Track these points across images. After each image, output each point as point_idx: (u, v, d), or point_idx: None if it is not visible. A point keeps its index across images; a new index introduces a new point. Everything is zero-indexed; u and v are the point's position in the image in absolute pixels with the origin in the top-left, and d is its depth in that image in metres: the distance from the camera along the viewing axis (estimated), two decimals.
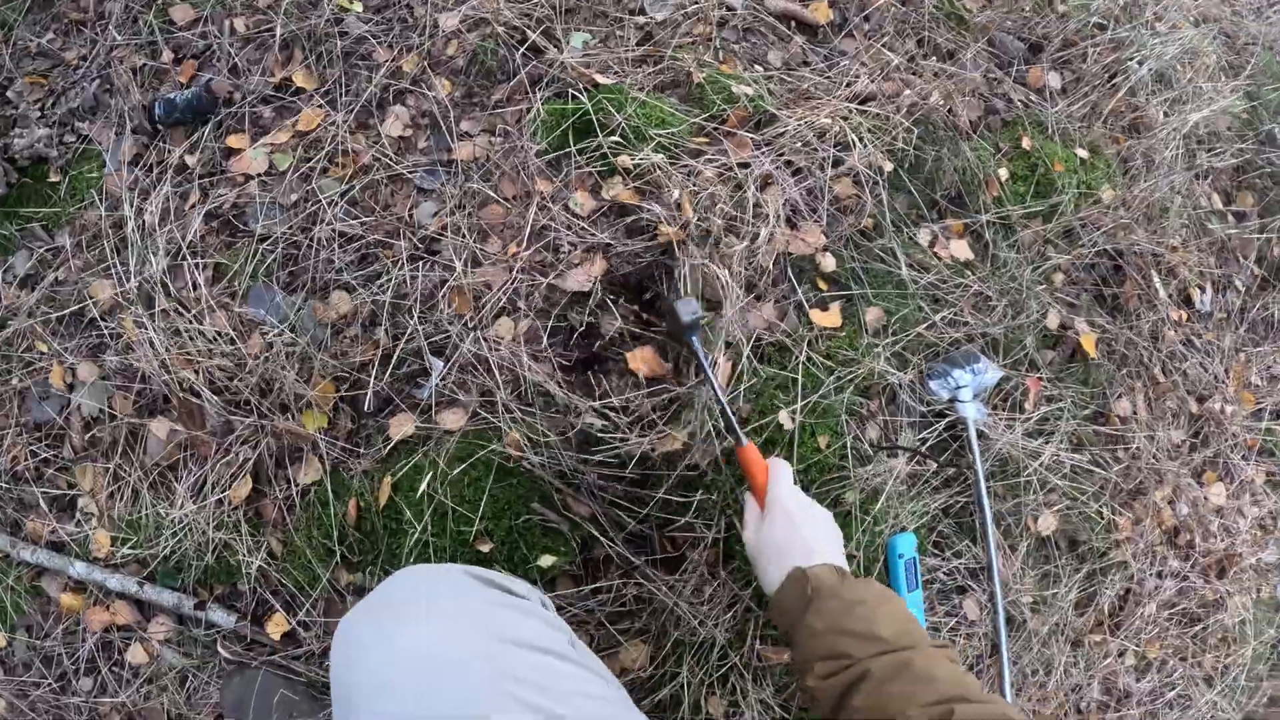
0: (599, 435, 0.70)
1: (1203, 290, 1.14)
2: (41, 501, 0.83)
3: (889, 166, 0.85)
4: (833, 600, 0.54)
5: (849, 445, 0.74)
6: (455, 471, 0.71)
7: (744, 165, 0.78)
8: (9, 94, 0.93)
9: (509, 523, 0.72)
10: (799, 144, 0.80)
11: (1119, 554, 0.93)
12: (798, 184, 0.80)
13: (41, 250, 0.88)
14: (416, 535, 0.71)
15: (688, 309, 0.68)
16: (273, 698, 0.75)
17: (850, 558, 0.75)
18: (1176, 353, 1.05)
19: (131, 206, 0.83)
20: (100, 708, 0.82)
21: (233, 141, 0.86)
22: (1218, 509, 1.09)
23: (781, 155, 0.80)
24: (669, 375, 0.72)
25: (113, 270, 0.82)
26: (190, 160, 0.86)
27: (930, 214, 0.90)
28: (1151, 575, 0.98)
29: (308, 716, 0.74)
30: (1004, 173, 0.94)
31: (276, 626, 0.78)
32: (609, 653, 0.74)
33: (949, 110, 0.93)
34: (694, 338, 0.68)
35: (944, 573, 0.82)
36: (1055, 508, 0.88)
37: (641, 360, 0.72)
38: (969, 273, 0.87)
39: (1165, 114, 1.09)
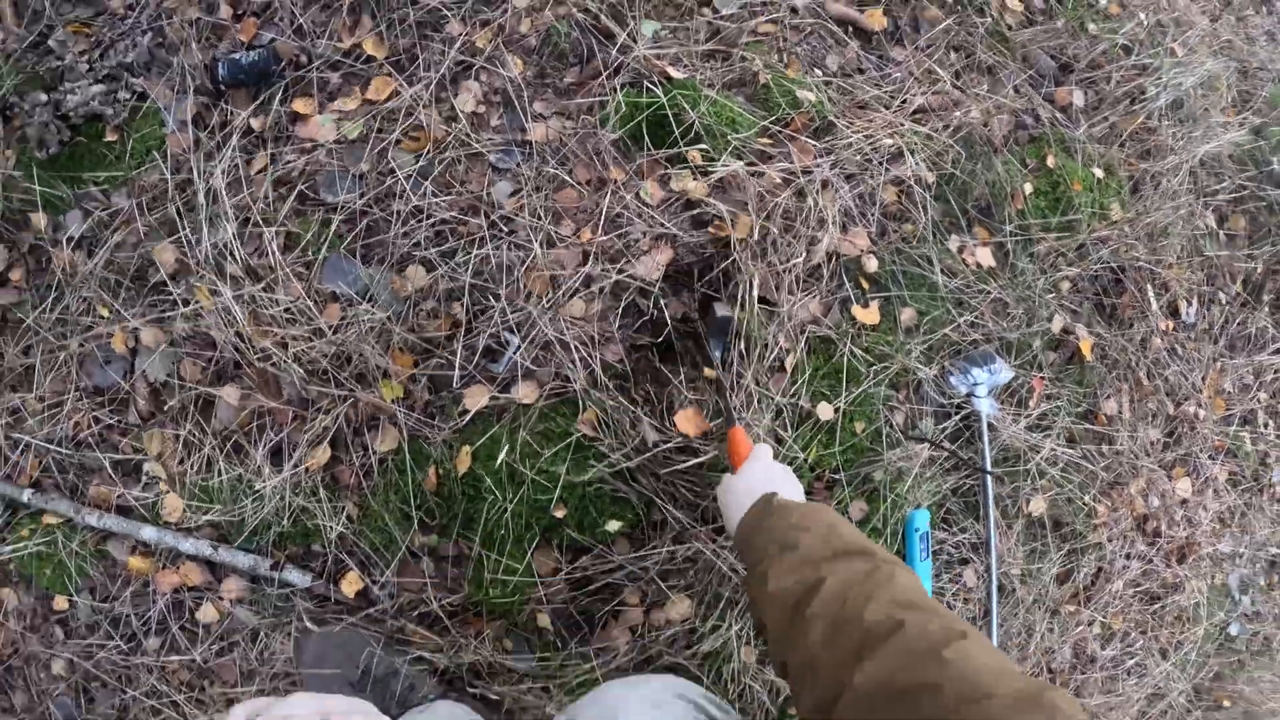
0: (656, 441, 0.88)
1: (1189, 304, 1.39)
2: (107, 466, 0.94)
3: (933, 178, 1.04)
4: (794, 511, 0.61)
5: (883, 432, 0.95)
6: (532, 443, 0.88)
7: (806, 171, 0.95)
8: (51, 42, 0.99)
9: (581, 491, 0.90)
10: (855, 154, 0.98)
11: (1096, 536, 1.19)
12: (850, 190, 0.98)
13: (99, 212, 0.97)
14: (497, 501, 0.88)
15: (722, 309, 0.85)
16: (358, 654, 0.90)
17: (874, 530, 0.97)
18: (1161, 359, 1.31)
19: (201, 170, 0.93)
20: (169, 665, 0.95)
21: (299, 106, 0.96)
22: (1183, 501, 1.36)
23: (838, 163, 0.98)
24: (710, 429, 0.90)
25: (181, 234, 0.93)
26: (255, 124, 0.96)
27: (961, 223, 1.10)
28: (1121, 557, 1.24)
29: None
30: (1029, 188, 1.15)
31: (350, 585, 0.93)
32: (659, 603, 0.93)
33: (985, 125, 1.13)
34: (719, 346, 0.84)
35: (950, 546, 1.05)
36: (1046, 494, 1.12)
37: (685, 421, 0.89)
38: (991, 280, 1.08)
39: (1176, 137, 1.32)
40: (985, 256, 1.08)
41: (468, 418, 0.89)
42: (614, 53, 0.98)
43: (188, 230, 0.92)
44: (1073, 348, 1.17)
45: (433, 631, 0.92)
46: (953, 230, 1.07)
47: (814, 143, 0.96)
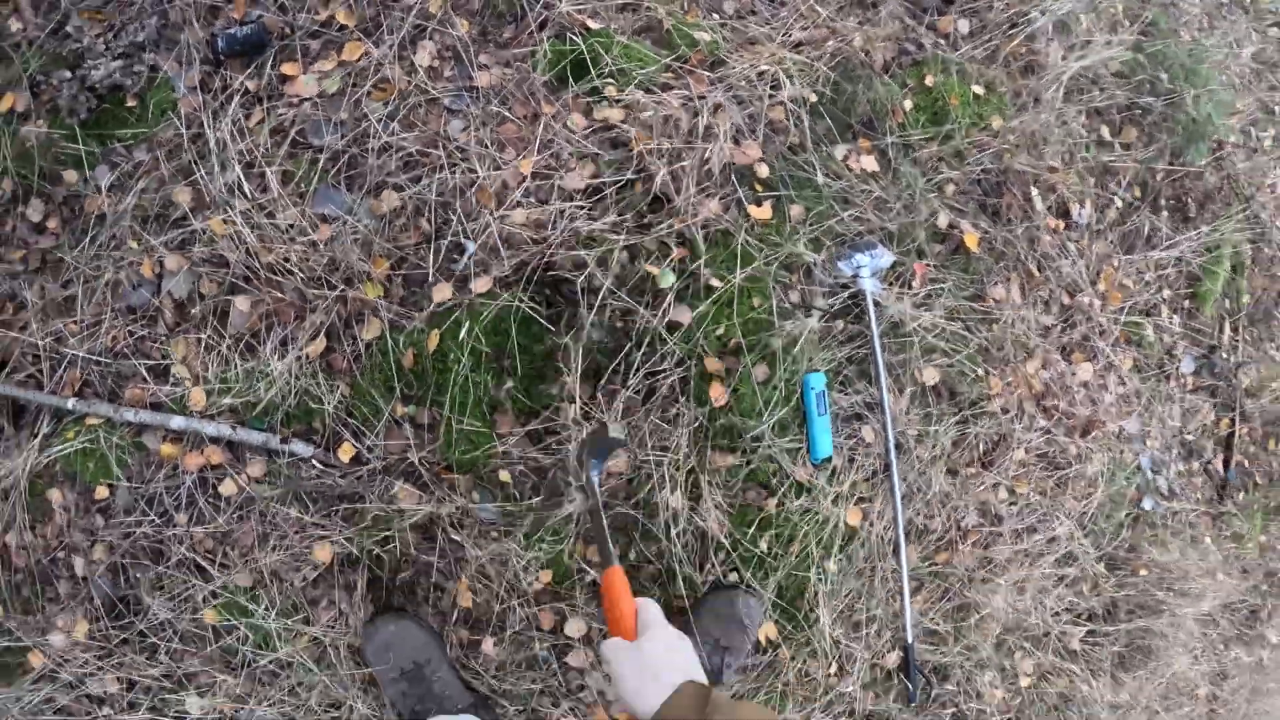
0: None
1: (1081, 206, 1.73)
2: (141, 370, 1.28)
3: (813, 98, 1.38)
4: (738, 713, 0.62)
5: (774, 306, 1.28)
6: (487, 323, 1.22)
7: (701, 97, 1.29)
8: (68, 28, 1.34)
9: (530, 360, 1.23)
10: (743, 81, 1.32)
11: (990, 406, 1.52)
12: (741, 111, 1.32)
13: (124, 165, 1.31)
14: (460, 370, 1.21)
15: (616, 431, 0.85)
16: (411, 647, 1.20)
17: (774, 387, 1.30)
18: (1050, 254, 1.64)
19: (209, 125, 1.28)
20: (196, 534, 1.29)
21: (287, 69, 1.31)
22: (1085, 384, 1.69)
23: (730, 90, 1.31)
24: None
25: (198, 177, 1.27)
26: (251, 86, 1.31)
27: (846, 135, 1.44)
28: (1020, 428, 1.57)
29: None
30: (909, 104, 1.49)
31: (345, 453, 1.27)
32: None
33: (865, 53, 1.46)
34: (598, 468, 0.85)
35: (846, 405, 1.38)
36: (937, 365, 1.45)
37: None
38: (873, 181, 1.41)
39: (1057, 55, 1.65)
40: (869, 163, 1.42)
41: (433, 308, 1.23)
42: (539, 9, 1.32)
43: (202, 173, 1.26)
44: (958, 240, 1.50)
45: (415, 487, 1.25)
46: (839, 141, 1.41)
47: (708, 74, 1.30)
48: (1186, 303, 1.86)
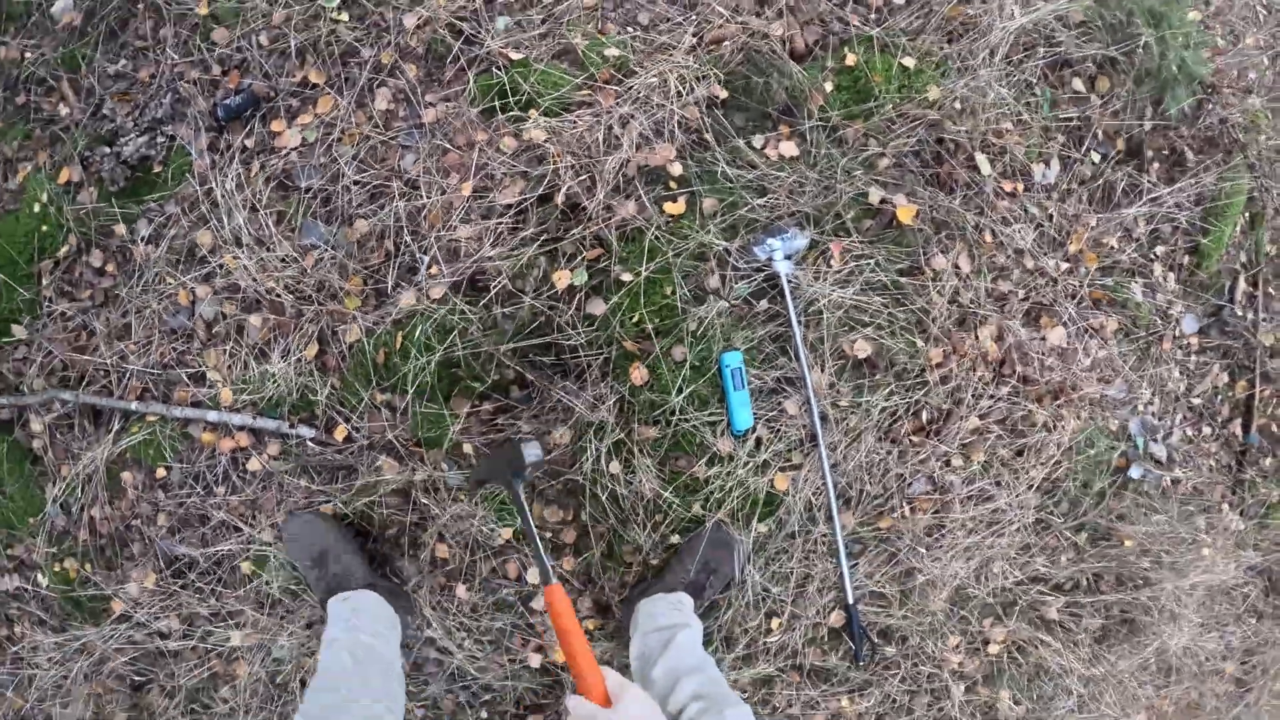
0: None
1: (1046, 166, 1.75)
2: (185, 377, 1.71)
3: (724, 94, 1.55)
4: None
5: (683, 294, 1.48)
6: (438, 324, 1.52)
7: (608, 111, 1.51)
8: (104, 110, 1.79)
9: (474, 352, 1.52)
10: (649, 90, 1.51)
11: (930, 377, 1.62)
12: (649, 117, 1.52)
13: (158, 218, 1.74)
14: (418, 364, 1.52)
15: (532, 452, 0.96)
16: (319, 539, 1.61)
17: (693, 366, 1.50)
18: (1007, 218, 1.69)
19: (217, 181, 1.67)
20: (231, 501, 1.71)
21: (275, 126, 1.69)
22: (1056, 349, 1.73)
23: (639, 100, 1.52)
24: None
25: (211, 225, 1.67)
26: (249, 143, 1.69)
27: (765, 125, 1.59)
28: (970, 396, 1.65)
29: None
30: (829, 85, 1.61)
31: (340, 433, 1.63)
32: (546, 435, 1.54)
33: (786, 41, 1.60)
34: (521, 482, 0.97)
35: (769, 379, 1.55)
36: (868, 336, 1.58)
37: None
38: (790, 167, 1.56)
39: (998, 14, 1.69)
40: (789, 148, 1.58)
41: (403, 313, 1.54)
42: (472, 50, 1.59)
43: (214, 221, 1.66)
44: (890, 214, 1.61)
45: (395, 460, 1.58)
46: (757, 130, 1.57)
47: (616, 88, 1.51)
48: (1185, 259, 1.82)
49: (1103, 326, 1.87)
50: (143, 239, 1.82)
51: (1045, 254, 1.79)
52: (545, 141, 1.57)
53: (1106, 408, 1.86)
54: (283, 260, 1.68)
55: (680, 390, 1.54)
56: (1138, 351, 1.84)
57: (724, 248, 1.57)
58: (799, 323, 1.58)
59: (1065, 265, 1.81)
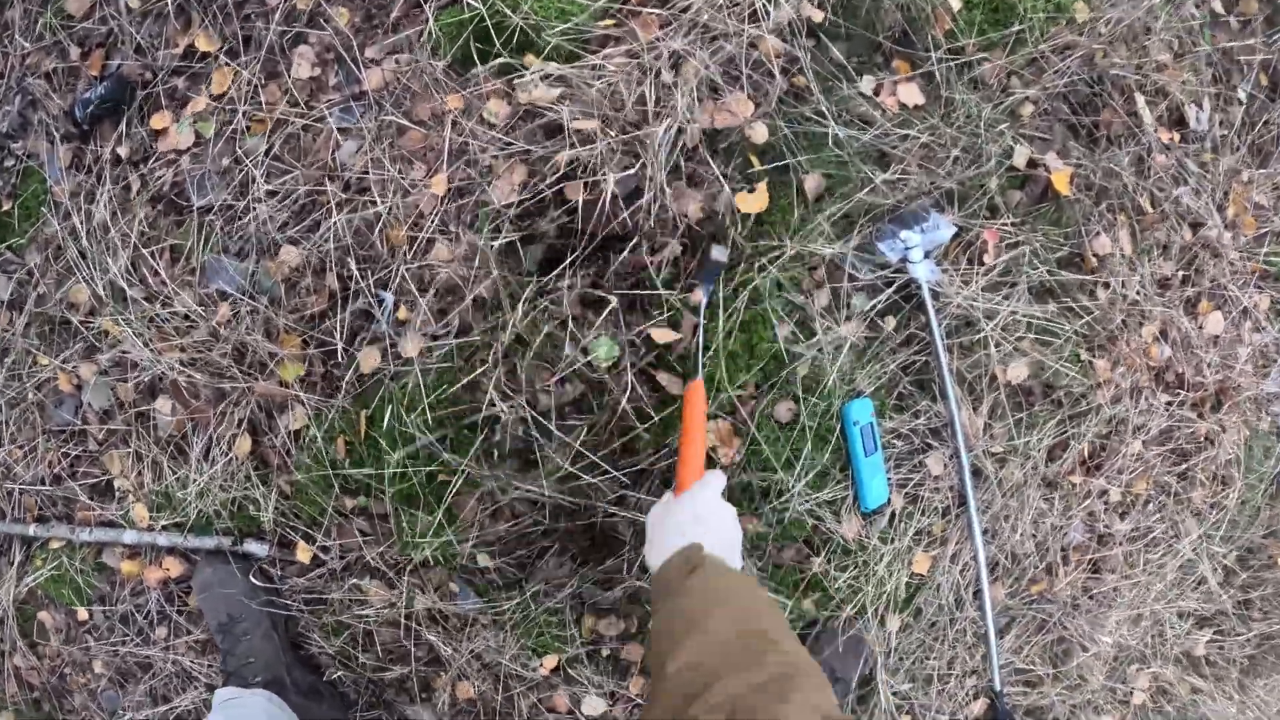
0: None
1: (1199, 107, 1.03)
2: (80, 494, 0.92)
3: (819, 16, 0.78)
4: (716, 578, 0.53)
5: (782, 332, 0.74)
6: (424, 396, 0.75)
7: (652, 47, 0.73)
8: None
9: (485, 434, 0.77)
10: (711, 9, 0.74)
11: (1098, 397, 0.93)
12: (715, 55, 0.75)
13: (18, 272, 0.92)
14: (397, 458, 0.77)
15: (718, 251, 0.70)
16: (229, 602, 0.86)
17: (803, 429, 0.77)
18: (1166, 180, 0.98)
19: (80, 212, 0.85)
20: (178, 647, 0.95)
21: (156, 122, 0.86)
22: (1214, 339, 1.05)
23: (695, 26, 0.74)
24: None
25: (80, 276, 0.86)
26: (122, 151, 0.87)
27: (875, 61, 0.83)
28: (1136, 414, 0.97)
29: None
30: (955, 3, 0.85)
31: (304, 553, 0.87)
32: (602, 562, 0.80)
33: None
34: (711, 281, 0.70)
35: (908, 429, 0.83)
36: (1027, 357, 0.87)
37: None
38: (915, 123, 0.81)
39: None
40: (911, 93, 0.82)
41: (361, 385, 0.77)
42: None
43: (86, 270, 0.85)
44: (1044, 182, 0.88)
45: (383, 584, 0.84)
46: (865, 71, 0.81)
47: (658, 12, 0.73)
48: None
49: (1256, 306, 1.20)
50: (2, 303, 0.93)
51: (1205, 223, 1.10)
52: (556, 103, 0.80)
53: (1261, 404, 1.21)
54: (185, 319, 0.84)
55: (790, 463, 0.83)
56: None
57: (835, 253, 0.83)
58: (944, 349, 0.87)
59: (1226, 234, 1.13)
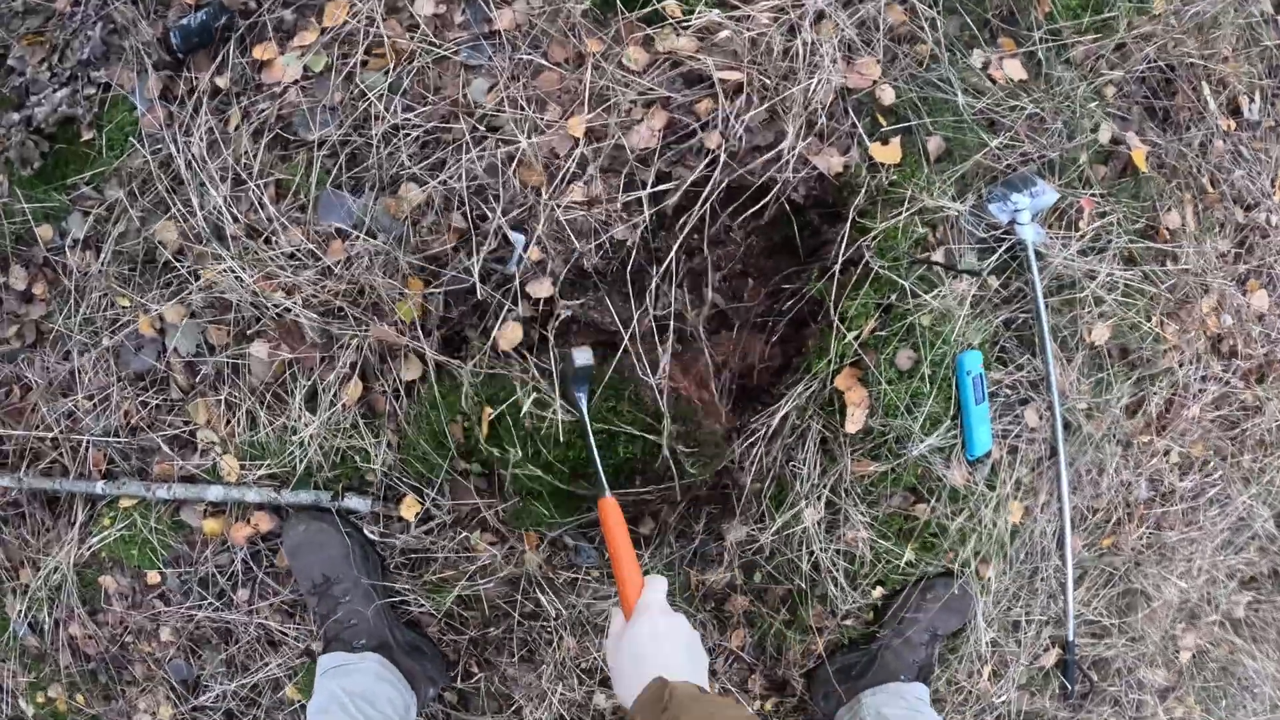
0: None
1: (1251, 100, 1.18)
2: (163, 445, 0.93)
3: None
4: (690, 711, 0.53)
5: (906, 283, 0.83)
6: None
7: (797, 4, 0.81)
8: (10, 61, 0.92)
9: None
10: None
11: (1166, 361, 1.05)
12: (850, 18, 0.83)
13: (97, 209, 0.92)
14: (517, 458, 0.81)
15: (581, 356, 0.75)
16: (327, 559, 0.88)
17: (922, 377, 0.86)
18: (1224, 163, 1.12)
19: (175, 143, 0.86)
20: (261, 610, 0.96)
21: (259, 53, 0.88)
22: (1260, 315, 1.19)
23: None
24: None
25: (172, 210, 0.87)
26: (221, 82, 0.88)
27: (983, 35, 0.93)
28: (1196, 380, 1.10)
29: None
30: None
31: (409, 508, 0.90)
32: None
33: None
34: (583, 389, 0.76)
35: (1007, 386, 0.93)
36: (1109, 320, 0.98)
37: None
38: (1023, 94, 0.91)
39: None
40: (1014, 69, 0.92)
41: (488, 365, 0.81)
42: None
43: (179, 205, 0.86)
44: (1124, 159, 1.00)
45: (495, 538, 0.88)
46: (974, 46, 0.91)
47: None
48: None
49: None
50: (77, 242, 0.93)
51: (1257, 205, 1.25)
52: (696, 53, 0.87)
53: None
54: (291, 257, 0.88)
55: (910, 410, 0.91)
56: None
57: (956, 210, 0.93)
58: (1046, 307, 0.98)
59: (1274, 217, 1.28)
